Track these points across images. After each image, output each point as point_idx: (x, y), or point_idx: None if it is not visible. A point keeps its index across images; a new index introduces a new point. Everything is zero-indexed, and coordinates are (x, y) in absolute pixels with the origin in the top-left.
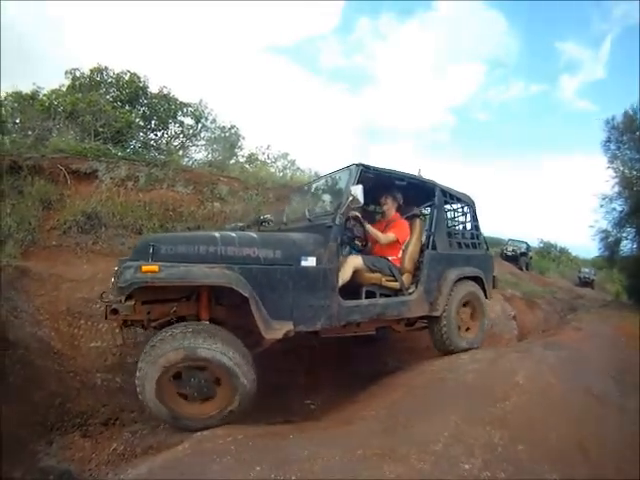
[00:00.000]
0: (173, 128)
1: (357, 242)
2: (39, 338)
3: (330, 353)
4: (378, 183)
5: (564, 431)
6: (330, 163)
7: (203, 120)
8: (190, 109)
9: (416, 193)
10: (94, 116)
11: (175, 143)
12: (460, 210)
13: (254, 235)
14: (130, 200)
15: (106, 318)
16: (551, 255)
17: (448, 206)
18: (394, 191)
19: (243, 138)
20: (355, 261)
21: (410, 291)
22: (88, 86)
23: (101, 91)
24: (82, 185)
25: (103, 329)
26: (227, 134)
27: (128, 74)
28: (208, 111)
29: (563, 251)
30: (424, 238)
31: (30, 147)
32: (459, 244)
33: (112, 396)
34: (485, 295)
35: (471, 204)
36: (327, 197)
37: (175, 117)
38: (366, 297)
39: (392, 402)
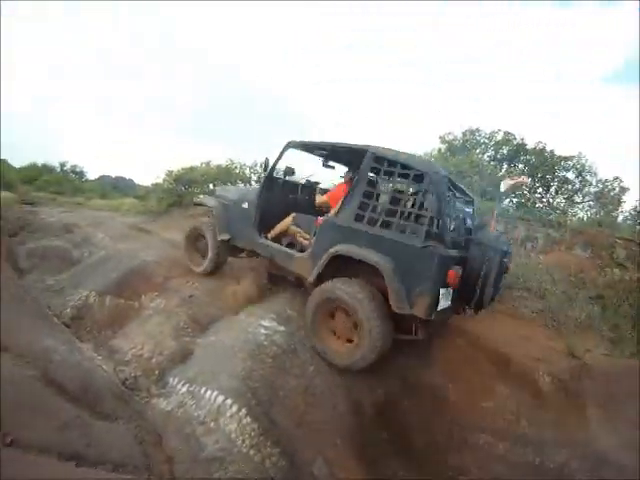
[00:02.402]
0: (554, 184)
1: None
2: (437, 385)
3: None
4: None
5: None
6: None
7: (584, 173)
8: (569, 162)
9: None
10: (479, 176)
11: (558, 200)
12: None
13: (243, 190)
14: (531, 262)
15: None
16: None
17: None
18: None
19: (628, 189)
20: (290, 218)
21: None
22: (461, 148)
23: (476, 150)
24: None
25: (498, 390)
26: (608, 187)
27: (500, 133)
28: (588, 164)
29: None
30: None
31: None
32: (381, 221)
33: (489, 461)
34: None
35: (431, 176)
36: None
37: (554, 172)
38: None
39: None
